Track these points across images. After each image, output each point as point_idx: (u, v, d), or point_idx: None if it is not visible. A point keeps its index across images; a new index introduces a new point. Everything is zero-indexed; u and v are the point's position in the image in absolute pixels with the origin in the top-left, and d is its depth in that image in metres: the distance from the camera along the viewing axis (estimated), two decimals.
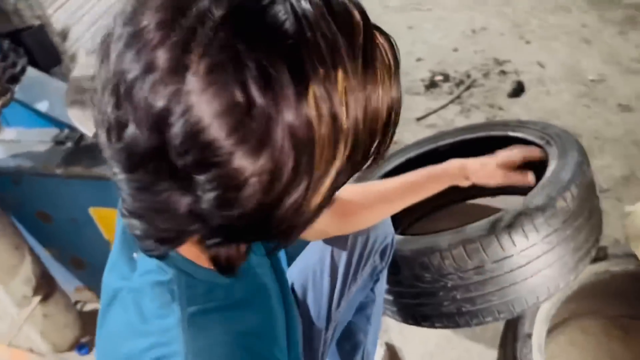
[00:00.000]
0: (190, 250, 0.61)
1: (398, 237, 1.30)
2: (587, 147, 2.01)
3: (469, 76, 2.53)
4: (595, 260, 1.40)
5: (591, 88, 2.38)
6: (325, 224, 1.07)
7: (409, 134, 2.19)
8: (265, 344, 0.64)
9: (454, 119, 2.31)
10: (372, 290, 1.28)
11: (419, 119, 2.34)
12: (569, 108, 2.29)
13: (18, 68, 1.38)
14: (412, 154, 1.79)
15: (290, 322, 0.75)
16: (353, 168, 0.51)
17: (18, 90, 1.38)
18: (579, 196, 1.26)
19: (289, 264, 1.23)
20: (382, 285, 1.30)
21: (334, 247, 1.17)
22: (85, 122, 1.26)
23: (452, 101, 2.40)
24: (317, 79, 0.44)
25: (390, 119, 0.52)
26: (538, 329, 1.32)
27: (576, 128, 2.16)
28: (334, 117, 0.45)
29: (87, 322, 1.76)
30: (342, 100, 0.45)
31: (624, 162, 2.02)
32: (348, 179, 0.53)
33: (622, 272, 1.40)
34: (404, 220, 1.65)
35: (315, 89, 0.44)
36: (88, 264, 1.66)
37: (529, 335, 1.31)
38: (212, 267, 0.62)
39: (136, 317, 0.62)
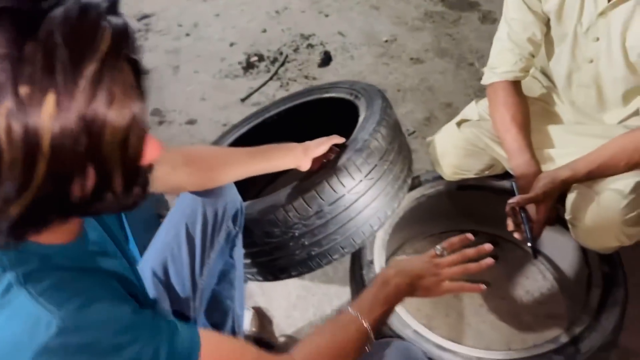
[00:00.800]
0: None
1: (245, 203, 1.40)
2: (392, 98, 2.29)
3: (281, 53, 2.69)
4: (412, 188, 1.64)
5: (387, 48, 2.69)
6: (182, 180, 1.16)
7: (236, 115, 2.28)
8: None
9: (276, 94, 2.46)
10: (230, 256, 1.36)
11: (243, 100, 2.45)
12: (372, 68, 2.57)
13: None
14: (242, 130, 1.90)
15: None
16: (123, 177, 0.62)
17: None
18: (387, 135, 1.47)
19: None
20: (240, 250, 1.39)
21: (187, 221, 1.23)
22: None
23: (270, 78, 2.55)
24: (16, 97, 0.52)
25: (129, 133, 0.59)
26: (378, 254, 1.51)
27: (380, 84, 2.44)
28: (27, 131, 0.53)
29: None
30: (44, 117, 0.53)
31: (423, 106, 2.33)
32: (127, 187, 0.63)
33: (435, 193, 1.66)
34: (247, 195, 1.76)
35: (9, 105, 0.52)
36: None
37: (371, 262, 1.49)
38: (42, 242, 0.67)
39: None
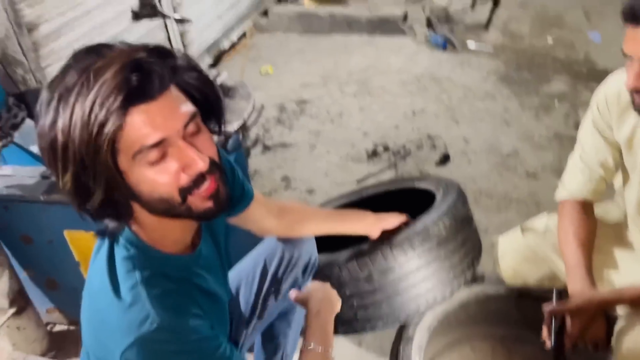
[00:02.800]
0: (146, 235, 0.93)
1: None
2: (495, 205, 2.40)
3: (404, 147, 2.95)
4: (474, 283, 1.73)
5: (505, 159, 2.80)
6: (272, 226, 1.42)
7: None
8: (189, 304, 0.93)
9: None
10: None
11: (359, 181, 2.73)
12: (485, 174, 2.70)
13: (19, 119, 1.77)
14: (340, 202, 2.16)
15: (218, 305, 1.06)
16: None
17: (17, 136, 1.76)
18: (451, 225, 1.61)
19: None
20: None
21: (267, 257, 1.48)
22: None
23: (388, 167, 2.80)
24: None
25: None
26: (419, 334, 1.61)
27: (489, 190, 2.55)
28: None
29: (55, 341, 2.02)
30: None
31: (525, 218, 2.37)
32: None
33: (494, 293, 1.72)
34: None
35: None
36: (61, 285, 1.95)
37: (411, 338, 1.60)
38: (164, 250, 0.94)
39: (109, 281, 0.90)
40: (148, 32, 3.31)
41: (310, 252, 1.52)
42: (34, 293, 1.97)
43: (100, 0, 2.86)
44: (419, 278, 1.55)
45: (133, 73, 0.76)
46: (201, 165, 0.82)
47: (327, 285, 1.36)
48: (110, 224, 0.91)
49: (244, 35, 4.54)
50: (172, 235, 0.96)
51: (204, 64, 3.96)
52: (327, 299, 1.34)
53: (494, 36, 4.32)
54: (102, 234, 0.94)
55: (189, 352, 0.89)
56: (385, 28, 4.45)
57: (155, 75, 0.79)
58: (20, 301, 1.86)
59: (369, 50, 4.25)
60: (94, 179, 0.79)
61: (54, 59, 2.56)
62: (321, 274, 1.59)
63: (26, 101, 1.83)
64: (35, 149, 1.83)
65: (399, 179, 2.13)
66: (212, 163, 0.86)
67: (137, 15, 2.69)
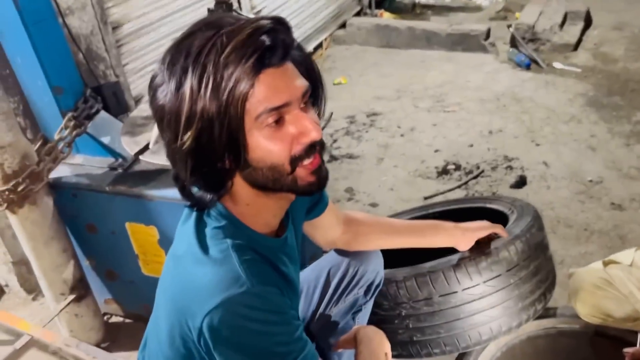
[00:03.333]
0: (238, 211, 0.92)
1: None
2: (575, 235, 2.22)
3: (478, 167, 2.80)
4: (543, 316, 1.58)
5: (589, 187, 2.59)
6: (336, 235, 1.36)
7: None
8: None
9: None
10: (353, 318, 1.45)
11: (425, 198, 2.61)
12: (564, 202, 2.50)
13: (93, 110, 1.81)
14: (406, 217, 2.06)
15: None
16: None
17: (90, 126, 1.80)
18: (523, 251, 1.48)
19: None
20: (364, 317, 1.47)
21: (330, 268, 1.41)
22: (131, 146, 1.64)
23: (459, 186, 2.67)
24: None
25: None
26: None
27: (568, 219, 2.36)
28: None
29: (110, 332, 2.05)
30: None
31: (606, 252, 2.17)
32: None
33: (568, 329, 1.56)
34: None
35: None
36: (119, 277, 1.98)
37: None
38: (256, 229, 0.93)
39: (198, 244, 0.89)
40: None
41: (376, 271, 1.43)
42: (94, 283, 2.00)
43: (184, 2, 2.94)
44: (484, 305, 1.43)
45: (265, 36, 0.78)
46: (314, 134, 0.84)
47: (380, 333, 1.25)
48: (204, 195, 0.89)
49: (320, 45, 4.54)
50: (265, 214, 0.95)
51: None
52: (379, 343, 1.23)
53: (584, 58, 4.07)
54: (194, 205, 0.92)
55: (274, 323, 0.86)
56: (466, 44, 4.31)
57: (282, 42, 0.81)
58: (80, 289, 1.90)
59: (448, 66, 4.12)
60: (219, 137, 0.79)
61: (134, 57, 2.65)
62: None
63: (102, 94, 1.88)
64: (106, 140, 1.87)
65: (468, 198, 2.02)
66: (321, 138, 0.87)
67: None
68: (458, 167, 2.84)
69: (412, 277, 1.46)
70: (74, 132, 1.76)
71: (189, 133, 0.79)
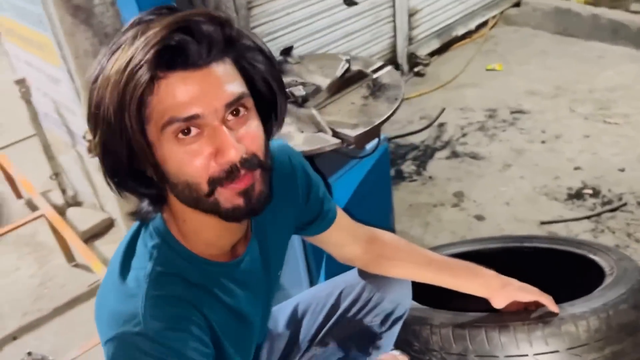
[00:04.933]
0: (177, 232, 0.83)
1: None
2: None
3: (620, 199, 2.34)
4: None
5: None
6: (355, 254, 1.22)
7: (521, 233, 2.15)
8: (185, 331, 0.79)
9: (580, 235, 2.18)
10: (364, 352, 1.31)
11: (542, 223, 2.26)
12: None
13: None
14: (473, 247, 1.77)
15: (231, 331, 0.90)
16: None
17: None
18: (598, 330, 1.19)
19: None
20: (387, 346, 1.32)
21: (344, 289, 1.29)
22: None
23: (588, 217, 2.26)
24: None
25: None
26: None
27: None
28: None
29: None
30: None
31: None
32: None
33: None
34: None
35: None
36: None
37: None
38: (194, 250, 0.83)
39: (120, 264, 0.82)
40: (372, 4, 3.21)
41: (397, 302, 1.27)
42: None
43: None
44: None
45: (177, 33, 0.69)
46: (233, 154, 0.72)
47: None
48: (144, 206, 0.83)
49: (484, 24, 4.13)
50: (205, 234, 0.84)
51: (429, 48, 3.72)
52: None
53: None
54: (134, 215, 0.85)
55: None
56: None
57: (204, 42, 0.71)
58: None
59: (629, 67, 3.47)
60: (119, 144, 0.71)
61: (263, 21, 2.64)
62: (408, 326, 1.33)
63: None
64: None
65: (567, 239, 1.68)
66: (253, 157, 0.75)
67: None
68: (596, 194, 2.40)
69: (449, 326, 1.27)
70: None
71: (96, 138, 0.73)
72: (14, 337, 2.14)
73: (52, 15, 1.95)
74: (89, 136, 0.79)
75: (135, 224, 0.87)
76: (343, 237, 1.19)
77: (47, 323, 2.17)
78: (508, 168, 2.67)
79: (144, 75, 0.68)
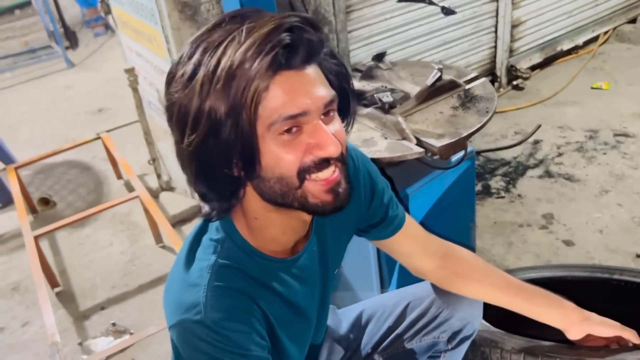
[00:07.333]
0: (244, 228, 0.87)
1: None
2: None
3: None
4: None
5: None
6: (427, 268, 1.20)
7: (617, 261, 2.01)
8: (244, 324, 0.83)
9: None
10: None
11: (638, 256, 2.10)
12: None
13: None
14: (578, 273, 1.68)
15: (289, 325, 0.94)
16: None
17: None
18: None
19: None
20: None
21: (411, 301, 1.26)
22: None
23: None
24: None
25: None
26: None
27: None
28: None
29: None
30: None
31: None
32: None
33: None
34: None
35: None
36: None
37: None
38: (257, 246, 0.87)
39: (186, 255, 0.87)
40: (474, 13, 3.13)
41: (467, 320, 1.23)
42: None
43: None
44: None
45: (287, 35, 0.72)
46: (332, 149, 0.77)
47: None
48: (215, 206, 0.85)
49: (593, 39, 3.89)
50: (272, 230, 0.88)
51: (530, 61, 3.57)
52: None
53: None
54: (206, 215, 0.88)
55: None
56: None
57: (306, 43, 0.75)
58: None
59: None
60: (226, 141, 0.74)
61: (361, 25, 2.65)
62: (477, 348, 1.29)
63: None
64: None
65: None
66: (341, 153, 0.81)
67: None
68: None
69: (521, 352, 1.22)
70: None
71: (194, 135, 0.74)
72: (102, 307, 2.31)
73: (162, 10, 2.08)
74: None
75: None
76: (412, 247, 1.17)
77: (132, 298, 2.32)
78: (605, 194, 2.50)
79: (263, 76, 0.71)
